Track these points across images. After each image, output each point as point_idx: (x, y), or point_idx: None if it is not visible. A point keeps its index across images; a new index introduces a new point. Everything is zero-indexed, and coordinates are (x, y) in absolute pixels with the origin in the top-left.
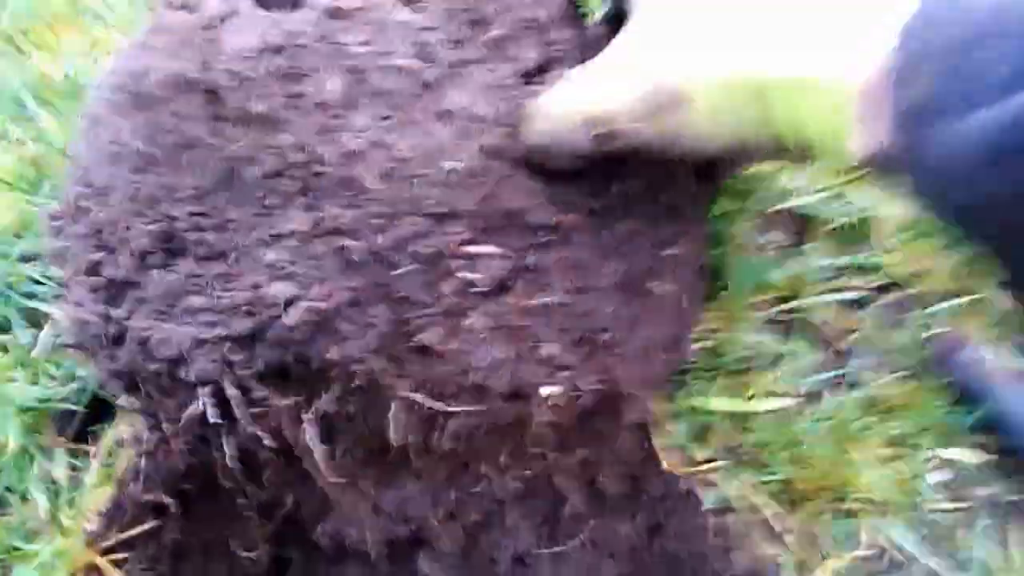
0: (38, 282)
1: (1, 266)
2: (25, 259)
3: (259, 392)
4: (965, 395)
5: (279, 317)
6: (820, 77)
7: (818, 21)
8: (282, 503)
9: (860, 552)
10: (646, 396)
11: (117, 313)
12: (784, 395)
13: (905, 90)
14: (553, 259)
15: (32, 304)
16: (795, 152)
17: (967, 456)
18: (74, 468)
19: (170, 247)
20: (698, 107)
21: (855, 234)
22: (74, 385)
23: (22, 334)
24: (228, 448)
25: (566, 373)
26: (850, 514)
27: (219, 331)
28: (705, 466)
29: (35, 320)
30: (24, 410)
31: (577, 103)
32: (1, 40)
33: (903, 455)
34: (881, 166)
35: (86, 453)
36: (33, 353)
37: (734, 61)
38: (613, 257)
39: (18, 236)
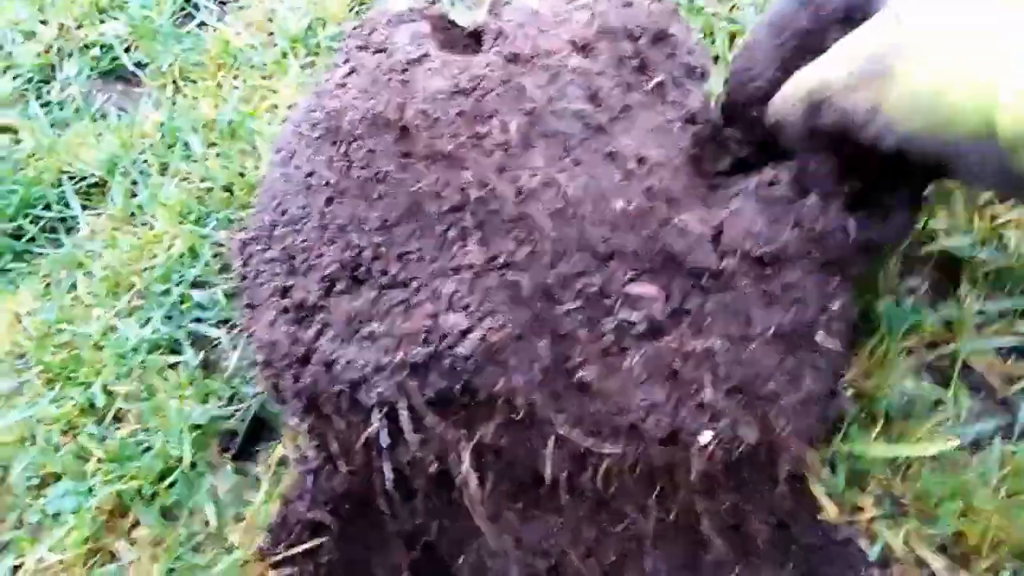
0: (205, 307)
1: (174, 292)
2: (194, 285)
3: (430, 419)
4: None
5: (454, 347)
6: None
7: None
8: (427, 532)
9: None
10: (802, 447)
11: (305, 335)
12: (947, 441)
13: None
14: (714, 304)
15: (200, 328)
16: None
17: None
18: (237, 485)
19: (356, 275)
20: (901, 83)
21: (1013, 276)
22: (239, 406)
23: (191, 355)
24: (387, 471)
25: (724, 421)
26: None
27: (397, 357)
28: (865, 515)
29: (201, 343)
30: (194, 428)
31: (803, 78)
32: (165, 81)
33: None
34: None
35: (245, 472)
36: (227, 375)
37: (959, 53)
38: (777, 306)
39: (189, 265)
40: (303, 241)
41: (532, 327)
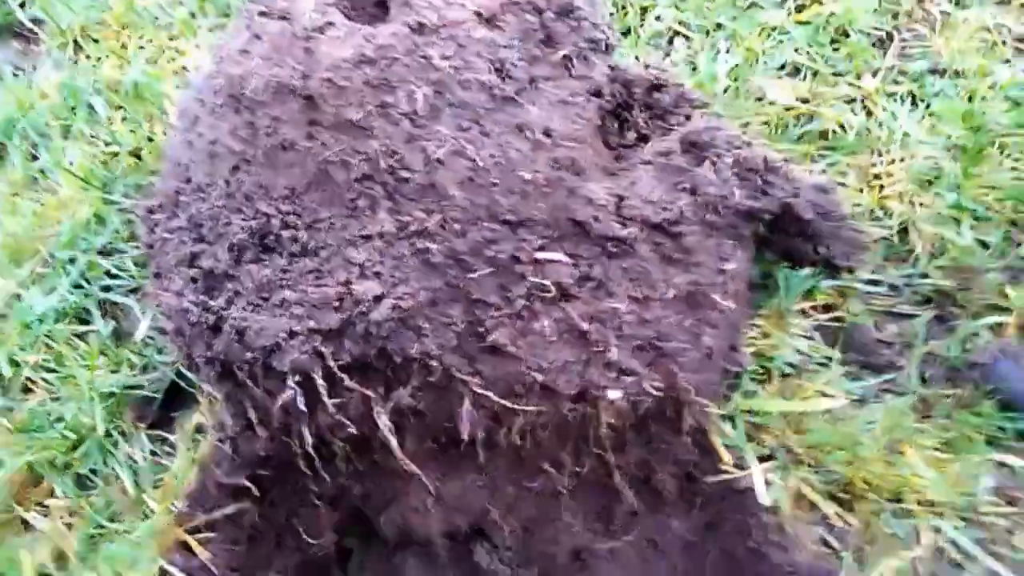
0: (114, 275)
1: (81, 260)
2: (102, 253)
3: (346, 383)
4: (1012, 402)
5: (367, 313)
6: None
7: None
8: (350, 493)
9: (918, 551)
10: (704, 401)
11: (215, 303)
12: (836, 398)
13: None
14: (618, 269)
15: (109, 296)
16: None
17: (1020, 461)
18: (154, 452)
19: (265, 243)
20: None
21: (897, 247)
22: (153, 374)
23: (101, 325)
24: (307, 435)
25: (631, 378)
26: (908, 514)
27: (310, 324)
28: (762, 466)
29: (112, 312)
30: (106, 396)
31: None
32: (66, 40)
33: (957, 459)
34: None
35: (163, 439)
36: (135, 337)
37: None
38: (676, 269)
39: (95, 232)
40: (210, 209)
41: (445, 293)
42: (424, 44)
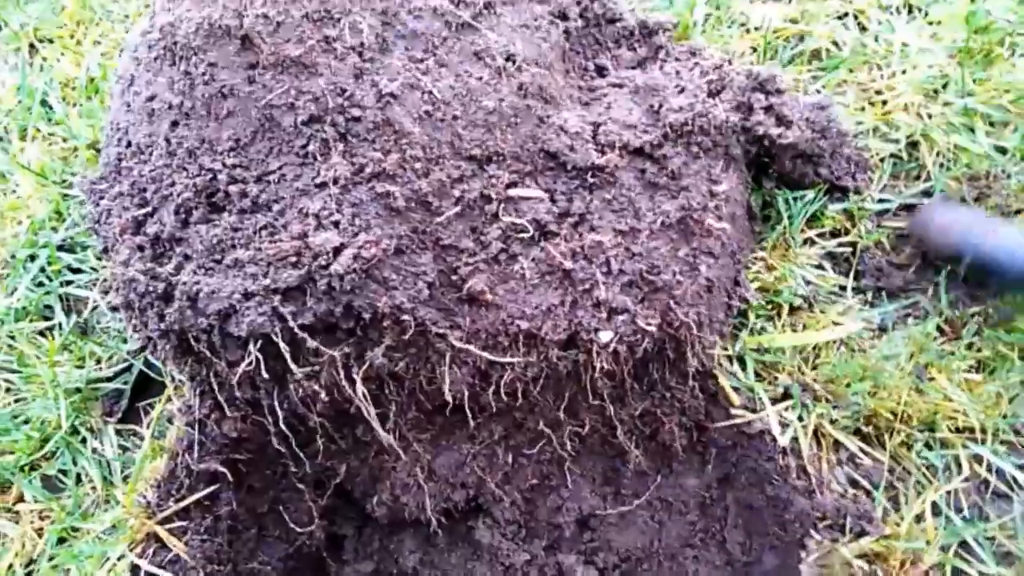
0: (76, 270)
1: (41, 255)
2: (62, 248)
3: (310, 343)
4: (928, 250)
5: (327, 266)
6: None
7: None
8: (334, 474)
9: (958, 482)
10: (708, 339)
11: (164, 270)
12: (853, 326)
13: None
14: (600, 200)
15: (71, 291)
16: None
17: None
18: (124, 447)
19: (213, 201)
20: None
21: (905, 164)
22: (120, 366)
23: (64, 320)
24: (278, 410)
25: (623, 317)
26: (943, 444)
27: (267, 283)
28: (777, 406)
29: (76, 307)
30: (71, 392)
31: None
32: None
33: (992, 379)
34: None
35: (134, 432)
36: (102, 335)
37: None
38: (662, 195)
39: (54, 228)
40: (152, 171)
41: (412, 240)
42: None
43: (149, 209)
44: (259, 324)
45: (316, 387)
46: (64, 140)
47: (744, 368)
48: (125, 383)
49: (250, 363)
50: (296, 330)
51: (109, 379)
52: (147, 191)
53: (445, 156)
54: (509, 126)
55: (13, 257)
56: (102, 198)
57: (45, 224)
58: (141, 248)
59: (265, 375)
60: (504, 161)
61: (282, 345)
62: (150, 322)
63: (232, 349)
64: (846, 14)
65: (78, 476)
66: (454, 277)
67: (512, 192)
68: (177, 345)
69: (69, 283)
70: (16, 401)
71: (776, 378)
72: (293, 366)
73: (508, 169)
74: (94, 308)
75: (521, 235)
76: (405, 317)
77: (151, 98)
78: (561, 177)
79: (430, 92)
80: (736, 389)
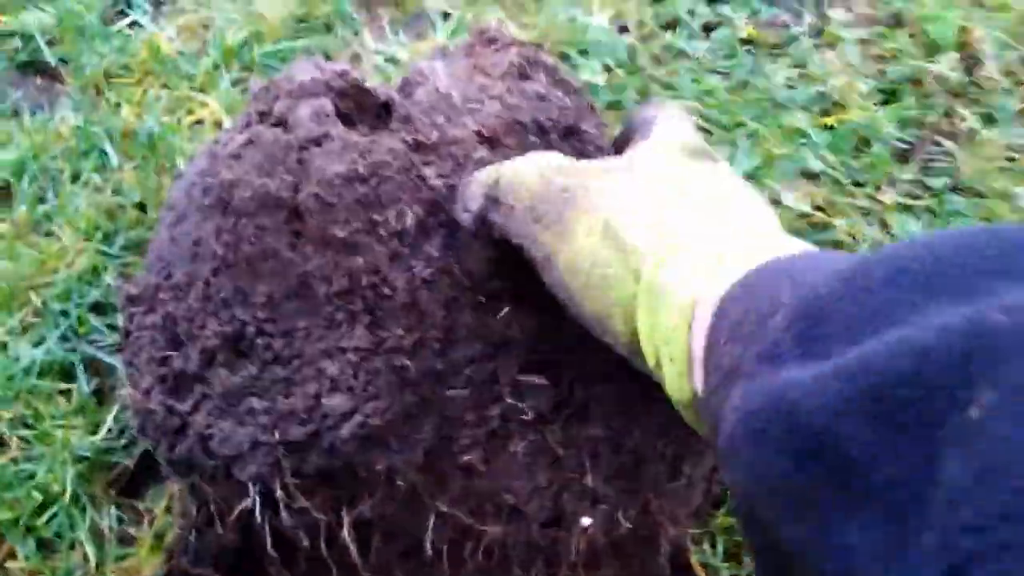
0: (102, 332)
1: (73, 312)
2: (93, 308)
3: (302, 502)
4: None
5: (334, 428)
6: (674, 293)
7: (708, 233)
8: None
9: None
10: (683, 527)
11: (181, 407)
12: None
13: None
14: (599, 394)
15: (97, 354)
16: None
17: None
18: (121, 521)
19: (239, 348)
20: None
21: None
22: (127, 443)
23: (84, 382)
24: (266, 539)
25: (605, 506)
26: None
27: (276, 435)
28: None
29: (98, 369)
30: (79, 459)
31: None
32: (87, 83)
33: None
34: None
35: (133, 508)
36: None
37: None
38: (659, 396)
39: (89, 284)
40: (186, 310)
41: (418, 408)
42: (420, 163)
43: (177, 346)
44: (262, 472)
45: (303, 531)
46: (113, 194)
47: (714, 547)
48: (130, 456)
49: (248, 503)
50: (292, 484)
51: (117, 451)
52: (179, 327)
53: (463, 339)
54: (527, 317)
55: (44, 305)
56: (134, 317)
57: (81, 279)
58: (163, 379)
59: (258, 516)
60: (518, 348)
61: (278, 493)
62: (160, 448)
63: (233, 487)
64: (871, 211)
65: (72, 543)
66: (452, 447)
67: (520, 377)
68: (182, 472)
69: (94, 344)
70: (27, 459)
71: (742, 559)
72: (284, 513)
73: (519, 357)
74: (112, 374)
75: (521, 417)
76: (398, 479)
77: (197, 242)
78: (566, 369)
79: (460, 279)
80: (704, 565)
